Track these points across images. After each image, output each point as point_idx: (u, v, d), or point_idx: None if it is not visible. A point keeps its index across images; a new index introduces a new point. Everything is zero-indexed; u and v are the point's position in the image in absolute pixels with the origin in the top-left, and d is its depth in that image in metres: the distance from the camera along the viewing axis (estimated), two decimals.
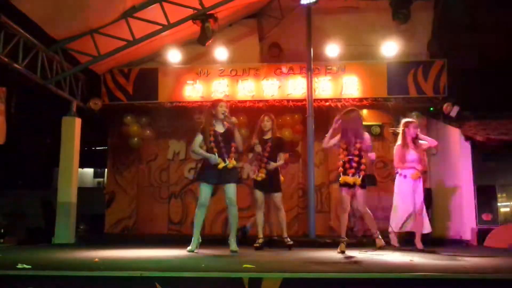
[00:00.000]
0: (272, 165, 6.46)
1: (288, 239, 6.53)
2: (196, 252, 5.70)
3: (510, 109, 8.60)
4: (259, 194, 6.54)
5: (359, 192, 5.81)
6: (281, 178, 6.80)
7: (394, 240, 6.51)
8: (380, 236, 5.99)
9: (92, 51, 8.10)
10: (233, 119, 5.79)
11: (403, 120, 6.57)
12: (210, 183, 5.77)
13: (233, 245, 5.74)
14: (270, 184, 6.50)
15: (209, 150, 5.74)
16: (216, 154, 5.69)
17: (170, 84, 9.35)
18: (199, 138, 5.82)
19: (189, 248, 5.75)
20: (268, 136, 6.56)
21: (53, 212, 9.06)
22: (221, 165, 5.67)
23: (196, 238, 5.82)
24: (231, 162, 5.71)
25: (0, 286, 3.42)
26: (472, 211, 8.10)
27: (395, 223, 6.42)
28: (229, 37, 9.44)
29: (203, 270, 3.77)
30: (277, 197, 6.56)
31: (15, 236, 9.16)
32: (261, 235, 6.56)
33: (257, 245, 6.43)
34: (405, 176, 6.37)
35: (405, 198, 6.33)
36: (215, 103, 5.89)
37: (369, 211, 6.00)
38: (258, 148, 6.41)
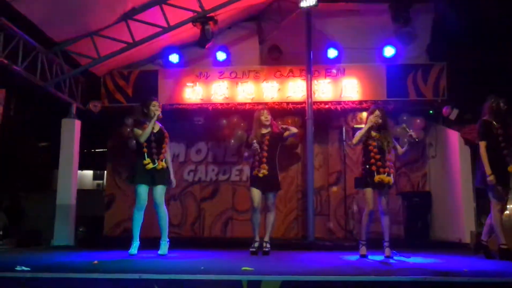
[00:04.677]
0: (292, 129, 6.20)
1: (268, 245, 6.06)
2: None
3: (509, 113, 8.58)
4: (256, 193, 6.05)
5: (387, 192, 5.65)
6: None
7: None
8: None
9: (92, 53, 8.11)
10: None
11: None
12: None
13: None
14: (270, 181, 6.06)
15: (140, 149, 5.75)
16: (146, 154, 5.67)
17: (169, 86, 9.35)
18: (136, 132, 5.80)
19: (130, 251, 5.66)
20: (266, 130, 6.23)
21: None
22: (150, 165, 5.64)
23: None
24: (160, 164, 5.63)
25: None
26: (472, 214, 8.09)
27: None
28: (229, 39, 9.45)
29: (202, 272, 3.77)
30: (272, 195, 6.12)
31: (14, 238, 9.14)
32: (257, 239, 6.16)
33: (253, 249, 6.11)
34: None
35: None
36: (147, 102, 5.87)
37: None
38: (256, 146, 6.04)
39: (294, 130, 6.35)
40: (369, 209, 5.67)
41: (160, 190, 5.69)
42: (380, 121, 5.72)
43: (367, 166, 5.69)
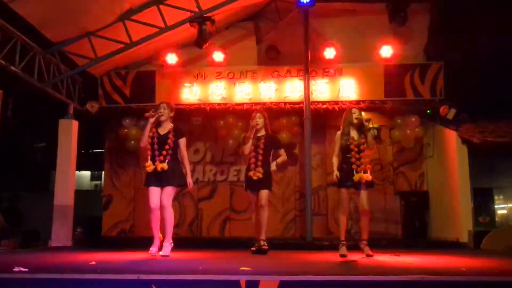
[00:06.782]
0: (273, 165, 6.15)
1: (265, 243, 6.07)
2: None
3: (506, 112, 8.62)
4: (251, 196, 6.23)
5: (365, 190, 5.62)
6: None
7: None
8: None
9: (89, 54, 8.11)
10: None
11: None
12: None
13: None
14: (262, 181, 6.10)
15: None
16: (150, 156, 5.68)
17: (167, 86, 9.34)
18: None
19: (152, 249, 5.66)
20: (261, 133, 6.26)
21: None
22: (148, 168, 5.65)
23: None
24: (159, 166, 5.59)
25: None
26: (469, 214, 8.11)
27: None
28: (226, 39, 9.45)
29: (200, 272, 3.77)
30: (264, 193, 6.09)
31: (12, 239, 9.13)
32: (260, 237, 6.19)
33: (254, 248, 6.18)
34: None
35: None
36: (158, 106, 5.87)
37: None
38: (247, 150, 6.13)
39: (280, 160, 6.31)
40: (343, 208, 5.70)
41: (165, 191, 5.66)
42: (356, 121, 5.69)
43: (344, 166, 5.68)
